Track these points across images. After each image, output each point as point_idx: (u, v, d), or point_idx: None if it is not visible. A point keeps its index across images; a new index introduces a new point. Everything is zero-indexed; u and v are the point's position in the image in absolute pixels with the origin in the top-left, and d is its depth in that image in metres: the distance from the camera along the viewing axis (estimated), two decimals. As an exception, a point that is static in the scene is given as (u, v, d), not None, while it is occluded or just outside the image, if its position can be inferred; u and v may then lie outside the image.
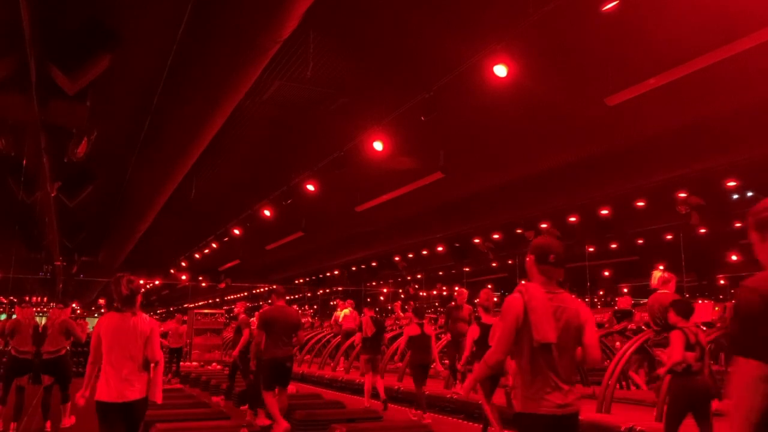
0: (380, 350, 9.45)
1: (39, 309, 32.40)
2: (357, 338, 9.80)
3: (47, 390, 7.94)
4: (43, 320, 8.69)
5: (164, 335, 13.36)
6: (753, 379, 1.86)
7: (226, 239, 16.84)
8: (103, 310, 29.04)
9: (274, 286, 8.22)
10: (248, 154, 11.36)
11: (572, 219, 14.74)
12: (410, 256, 21.57)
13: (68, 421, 7.96)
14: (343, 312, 13.90)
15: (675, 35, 6.46)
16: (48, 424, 7.84)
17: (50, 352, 7.77)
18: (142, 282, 27.87)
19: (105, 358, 4.06)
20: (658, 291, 7.10)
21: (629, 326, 9.20)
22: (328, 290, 29.20)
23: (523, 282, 3.10)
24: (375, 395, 8.97)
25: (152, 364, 4.14)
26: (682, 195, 12.15)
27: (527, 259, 3.16)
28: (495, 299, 7.12)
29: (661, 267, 9.33)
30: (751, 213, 2.20)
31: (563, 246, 3.19)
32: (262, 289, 31.99)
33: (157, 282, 28.44)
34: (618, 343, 9.90)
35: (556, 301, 3.01)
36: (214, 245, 17.94)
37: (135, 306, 4.14)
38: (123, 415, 3.98)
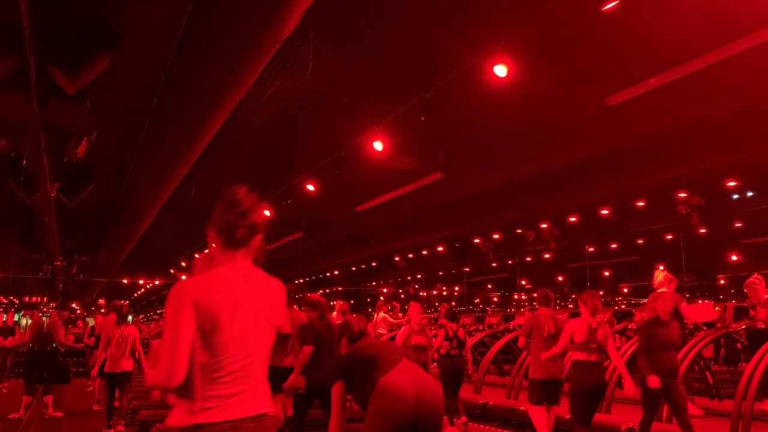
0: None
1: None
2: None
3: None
4: (44, 319, 9.76)
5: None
6: (305, 355, 5.63)
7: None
8: (103, 310, 29.12)
9: None
10: (248, 154, 11.35)
11: (572, 219, 14.73)
12: (410, 256, 21.57)
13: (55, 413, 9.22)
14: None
15: (675, 35, 6.46)
16: (49, 398, 9.18)
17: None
18: (142, 282, 27.91)
19: (109, 349, 7.51)
20: (658, 290, 7.12)
21: (629, 326, 9.21)
22: (328, 290, 29.20)
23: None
24: None
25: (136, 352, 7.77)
26: (682, 195, 12.15)
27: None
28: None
29: (662, 267, 9.33)
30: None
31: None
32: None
33: (157, 282, 28.44)
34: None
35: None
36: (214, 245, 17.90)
37: (126, 319, 7.88)
38: (117, 379, 7.48)
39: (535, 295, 7.38)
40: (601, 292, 25.76)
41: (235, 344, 2.05)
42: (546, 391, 6.32)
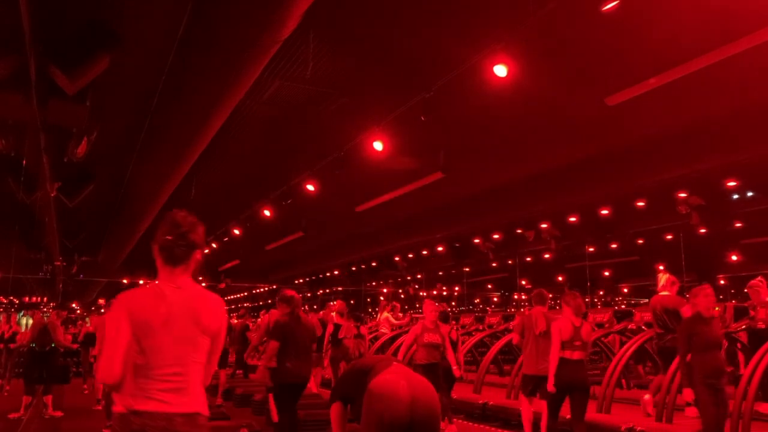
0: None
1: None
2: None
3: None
4: (45, 319, 9.81)
5: None
6: (270, 350, 5.75)
7: (226, 239, 16.83)
8: (102, 310, 29.14)
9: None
10: (248, 154, 11.35)
11: (572, 219, 14.72)
12: (410, 256, 21.56)
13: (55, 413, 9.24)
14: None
15: (675, 35, 6.46)
16: (49, 398, 9.20)
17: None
18: (142, 282, 27.93)
19: None
20: (661, 293, 7.10)
21: (629, 326, 9.20)
22: (328, 290, 29.19)
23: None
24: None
25: None
26: (682, 195, 12.15)
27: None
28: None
29: (662, 267, 9.34)
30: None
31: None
32: (262, 290, 31.98)
33: (157, 282, 28.38)
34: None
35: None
36: (214, 245, 17.93)
37: None
38: None
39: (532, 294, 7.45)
40: (601, 292, 25.77)
41: (167, 349, 2.38)
42: (535, 386, 6.43)
